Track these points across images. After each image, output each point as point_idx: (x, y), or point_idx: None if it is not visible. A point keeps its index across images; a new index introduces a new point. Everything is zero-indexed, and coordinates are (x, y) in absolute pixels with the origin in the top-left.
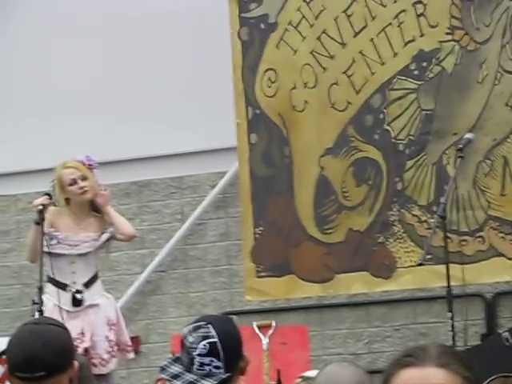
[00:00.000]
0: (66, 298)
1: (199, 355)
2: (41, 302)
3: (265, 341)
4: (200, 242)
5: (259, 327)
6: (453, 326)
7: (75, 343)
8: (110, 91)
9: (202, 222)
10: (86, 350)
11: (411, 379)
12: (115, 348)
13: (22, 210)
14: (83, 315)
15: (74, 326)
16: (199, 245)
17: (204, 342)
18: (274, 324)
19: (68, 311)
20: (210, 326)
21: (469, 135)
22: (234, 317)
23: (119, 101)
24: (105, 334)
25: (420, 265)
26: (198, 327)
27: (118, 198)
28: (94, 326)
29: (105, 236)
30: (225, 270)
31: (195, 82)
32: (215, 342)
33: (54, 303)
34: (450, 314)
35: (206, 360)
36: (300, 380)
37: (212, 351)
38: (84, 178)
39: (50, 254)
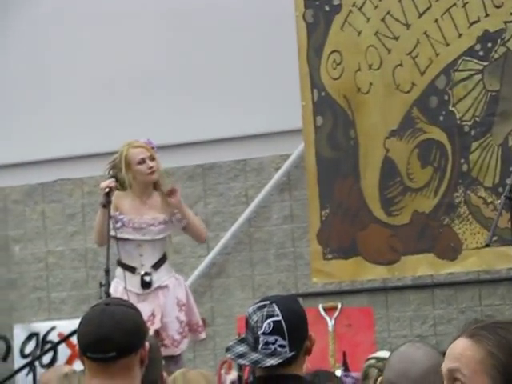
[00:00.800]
0: (135, 280)
1: (264, 334)
2: (108, 285)
3: (330, 323)
4: (264, 225)
5: (325, 309)
6: None
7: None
8: (174, 75)
9: (266, 204)
10: (157, 332)
11: (448, 349)
12: (186, 329)
13: (88, 194)
14: (153, 297)
15: (144, 309)
16: (264, 227)
17: (268, 321)
18: (339, 306)
19: (138, 294)
20: (274, 304)
21: None
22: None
23: (183, 85)
24: (175, 315)
25: (487, 246)
26: (263, 306)
27: (182, 181)
28: (164, 307)
29: (178, 225)
30: (289, 253)
31: (260, 65)
32: (279, 321)
33: (123, 287)
34: None
35: (271, 339)
36: (374, 361)
37: (276, 330)
38: (152, 159)
39: (117, 238)
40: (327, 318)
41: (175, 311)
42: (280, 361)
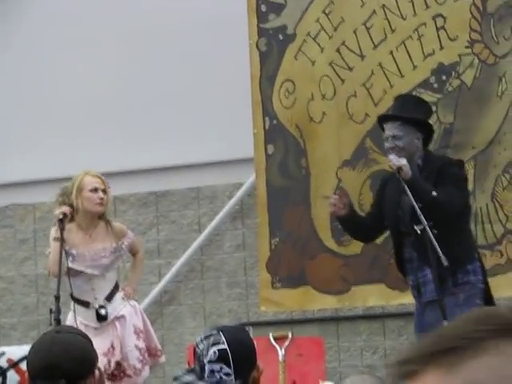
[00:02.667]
0: (90, 314)
1: (209, 362)
2: (58, 311)
3: (281, 352)
4: (217, 253)
5: (275, 338)
6: None
7: (107, 357)
8: (128, 102)
9: (218, 232)
10: (118, 363)
11: None
12: (146, 355)
13: (40, 219)
14: (111, 329)
15: (103, 342)
16: (216, 255)
17: (214, 349)
18: (290, 335)
19: (95, 327)
20: (220, 333)
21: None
22: (248, 328)
23: (137, 111)
24: (134, 344)
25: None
26: (210, 335)
27: (135, 208)
28: (123, 337)
29: (121, 253)
30: (241, 281)
31: (213, 93)
32: (225, 349)
33: (80, 321)
34: None
35: (216, 367)
36: None
37: (222, 358)
38: (104, 192)
39: (68, 271)
40: (277, 347)
41: (133, 339)
42: None
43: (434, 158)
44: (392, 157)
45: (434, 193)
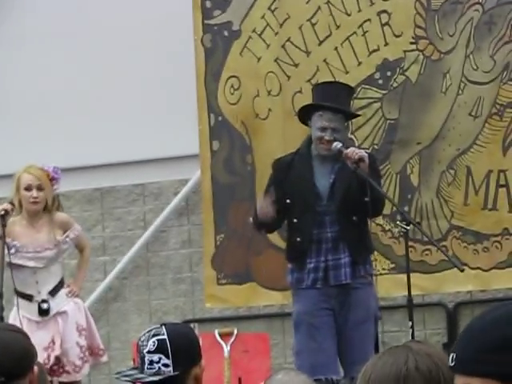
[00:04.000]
0: (32, 308)
1: (148, 352)
2: (1, 309)
3: (226, 348)
4: (162, 250)
5: (221, 335)
6: (413, 335)
7: (47, 352)
8: (73, 99)
9: (164, 229)
10: (58, 359)
11: None
12: (87, 353)
13: None
14: (52, 324)
15: (44, 336)
16: (161, 252)
17: (153, 339)
18: (235, 332)
19: (37, 321)
20: (162, 327)
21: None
22: (194, 324)
23: (82, 108)
24: (75, 340)
25: None
26: (152, 329)
27: (80, 205)
28: (64, 333)
29: (66, 246)
30: (187, 278)
31: (159, 89)
32: (164, 339)
33: (23, 315)
34: (410, 323)
35: (155, 357)
36: None
37: (160, 348)
38: (40, 189)
39: (11, 265)
40: (223, 343)
41: (75, 336)
42: (160, 377)
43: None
44: (353, 148)
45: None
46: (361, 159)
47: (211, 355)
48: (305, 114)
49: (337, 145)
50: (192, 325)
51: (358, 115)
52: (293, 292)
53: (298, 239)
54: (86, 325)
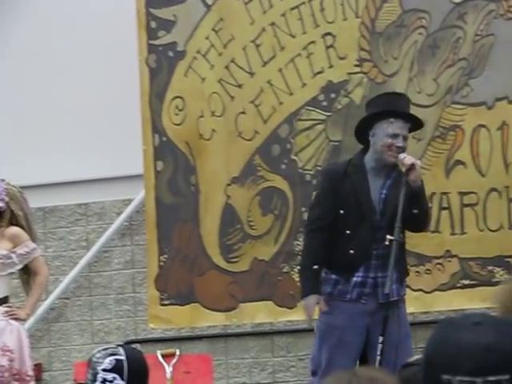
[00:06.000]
0: None
1: (103, 370)
2: None
3: (169, 369)
4: (105, 270)
5: (163, 356)
6: None
7: None
8: (15, 115)
9: (107, 249)
10: None
11: None
12: (6, 374)
13: None
14: None
15: None
16: (104, 272)
17: (111, 358)
18: (178, 353)
19: None
20: (120, 347)
21: None
22: (136, 346)
23: (26, 126)
24: None
25: None
26: (108, 347)
27: None
28: None
29: (10, 260)
30: (130, 298)
31: (103, 109)
32: (122, 360)
33: None
34: None
35: (110, 376)
36: None
37: (117, 368)
38: None
39: None
40: (165, 364)
41: None
42: None
43: None
44: (404, 154)
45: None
46: (413, 165)
47: (153, 376)
48: (365, 124)
49: (403, 156)
50: (134, 345)
51: (421, 127)
52: (327, 301)
53: (352, 251)
54: (17, 349)
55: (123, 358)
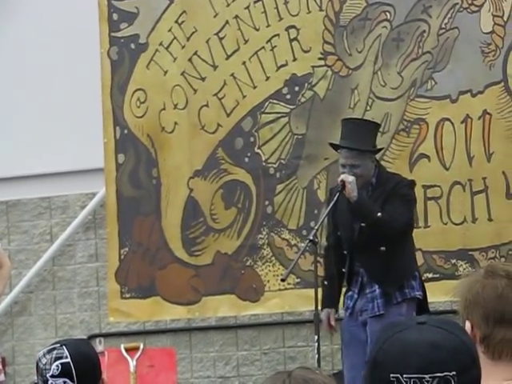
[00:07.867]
0: None
1: (52, 376)
2: None
3: (132, 363)
4: (69, 263)
5: (127, 350)
6: (319, 350)
7: None
8: None
9: (71, 242)
10: None
11: None
12: None
13: None
14: None
15: None
16: (68, 266)
17: (57, 363)
18: (141, 346)
19: None
20: (63, 347)
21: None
22: (100, 339)
23: None
24: None
25: (282, 280)
26: (53, 349)
27: None
28: None
29: None
30: (93, 292)
31: (65, 102)
32: (68, 363)
33: None
34: (316, 338)
35: (59, 381)
36: None
37: (65, 372)
38: None
39: None
40: (129, 358)
41: None
42: None
43: (387, 176)
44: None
45: (379, 214)
46: (342, 182)
47: (117, 370)
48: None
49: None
50: (98, 339)
51: (378, 150)
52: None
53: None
54: None
55: (68, 360)
